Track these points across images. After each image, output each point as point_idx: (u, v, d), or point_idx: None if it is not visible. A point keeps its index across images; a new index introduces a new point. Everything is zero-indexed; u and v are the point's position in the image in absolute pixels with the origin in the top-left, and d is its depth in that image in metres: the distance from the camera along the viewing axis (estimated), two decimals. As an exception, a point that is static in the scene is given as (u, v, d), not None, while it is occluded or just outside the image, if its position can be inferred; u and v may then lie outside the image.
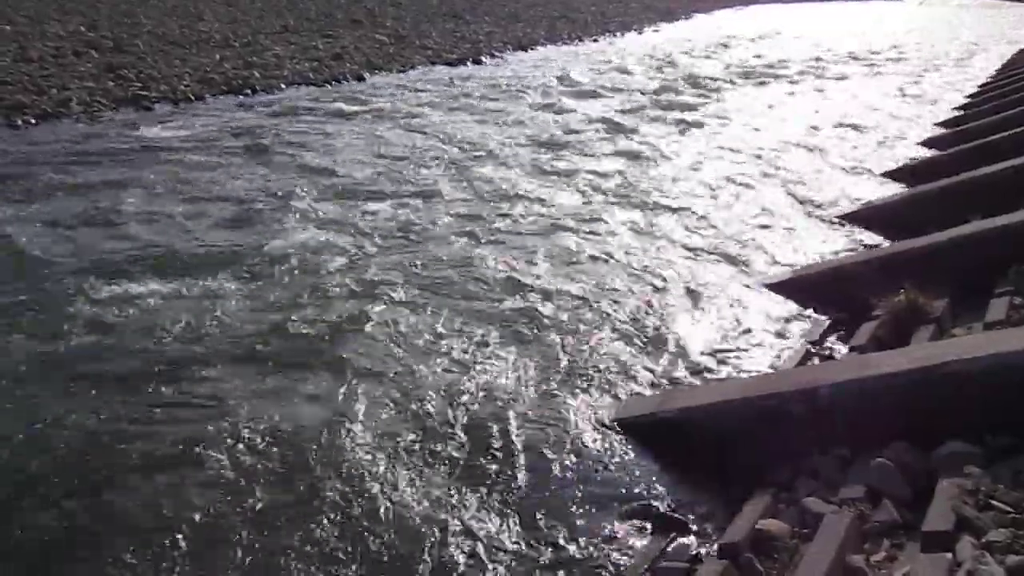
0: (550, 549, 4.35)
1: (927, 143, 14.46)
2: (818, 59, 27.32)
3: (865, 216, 9.93)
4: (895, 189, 11.57)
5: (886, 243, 8.99)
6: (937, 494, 3.83)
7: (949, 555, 3.40)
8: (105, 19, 27.38)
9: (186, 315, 6.93)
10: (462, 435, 5.37)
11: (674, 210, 10.38)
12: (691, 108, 18.09)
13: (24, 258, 8.16)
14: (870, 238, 9.35)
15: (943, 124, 16.33)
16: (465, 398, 5.81)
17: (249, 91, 18.36)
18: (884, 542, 3.79)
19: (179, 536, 4.35)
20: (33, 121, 14.41)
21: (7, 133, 13.57)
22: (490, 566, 4.22)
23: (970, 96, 20.13)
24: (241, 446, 5.14)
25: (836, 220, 10.05)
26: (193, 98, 17.24)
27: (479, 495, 4.78)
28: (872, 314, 6.61)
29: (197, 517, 4.50)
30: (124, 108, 15.97)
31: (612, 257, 8.69)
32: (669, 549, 4.26)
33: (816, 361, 6.31)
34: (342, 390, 5.86)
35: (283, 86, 19.23)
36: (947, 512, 3.64)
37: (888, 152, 14.05)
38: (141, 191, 10.50)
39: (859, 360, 5.61)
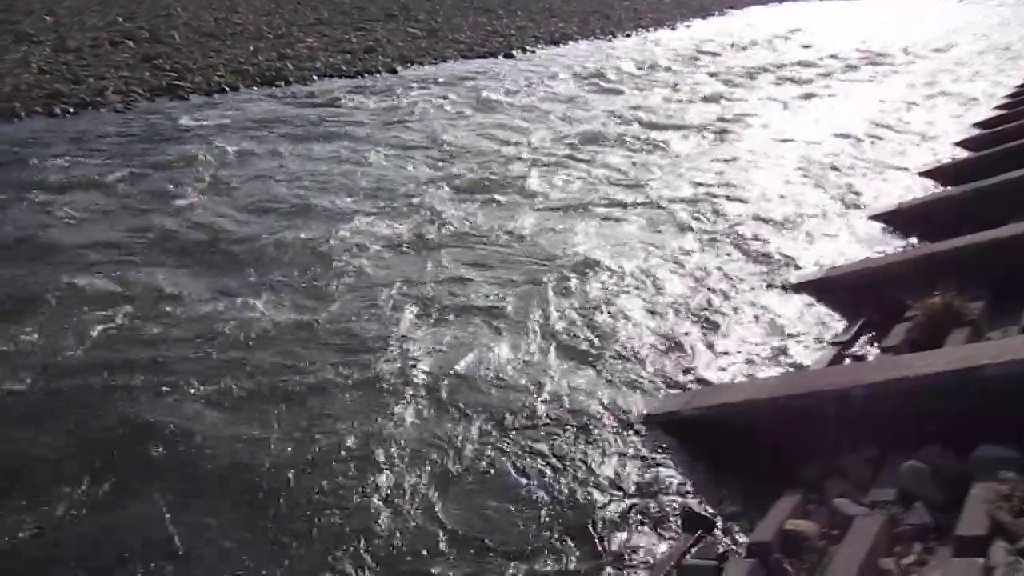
0: (577, 543, 4.35)
1: (964, 143, 14.22)
2: (853, 56, 26.93)
3: (899, 216, 9.79)
4: (930, 189, 11.41)
5: (920, 243, 8.87)
6: (971, 498, 3.77)
7: (982, 560, 3.35)
8: (142, 11, 27.67)
9: (211, 304, 7.03)
10: (489, 427, 5.39)
11: (705, 207, 10.30)
12: (724, 104, 17.92)
13: (56, 247, 8.29)
14: (904, 238, 9.23)
15: (981, 124, 16.04)
16: (493, 391, 5.83)
17: (282, 83, 18.47)
18: (915, 545, 3.74)
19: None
20: (71, 110, 14.62)
21: (45, 121, 13.79)
22: (516, 560, 4.23)
23: (1009, 96, 19.75)
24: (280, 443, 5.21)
25: (870, 219, 9.93)
26: (227, 89, 17.39)
27: (505, 487, 4.80)
28: (906, 315, 6.52)
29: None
30: (159, 98, 16.16)
31: (641, 253, 8.65)
32: (696, 546, 4.25)
33: (848, 361, 6.24)
34: (371, 381, 5.90)
35: (316, 78, 19.32)
36: (981, 516, 3.58)
37: (924, 151, 13.85)
38: (174, 180, 10.63)
39: (892, 361, 5.55)
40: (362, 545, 4.30)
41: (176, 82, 17.23)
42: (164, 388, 5.69)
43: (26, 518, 4.39)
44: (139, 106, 15.41)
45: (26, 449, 4.98)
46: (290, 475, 4.82)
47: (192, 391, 5.66)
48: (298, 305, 7.14)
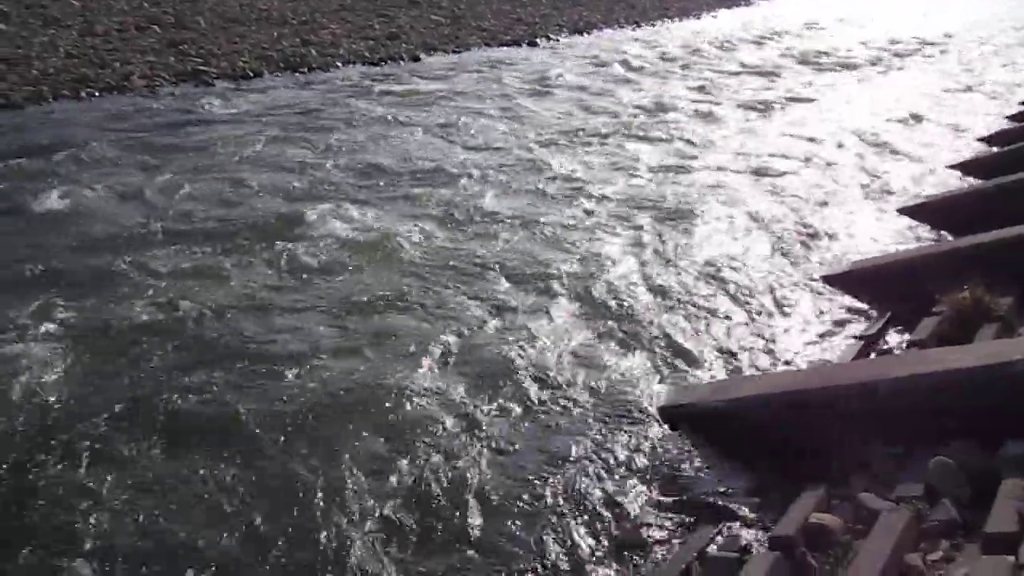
0: (597, 536, 4.33)
1: (995, 136, 14.00)
2: (886, 48, 26.57)
3: (929, 209, 9.66)
4: (961, 182, 11.25)
5: (950, 238, 8.76)
6: (1000, 495, 3.71)
7: (1012, 558, 3.29)
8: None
9: (224, 286, 7.09)
10: (508, 414, 5.39)
11: (733, 199, 10.23)
12: (752, 96, 17.74)
13: (79, 229, 8.35)
14: (933, 232, 9.12)
15: (1013, 117, 15.81)
16: (512, 378, 5.81)
17: (305, 69, 18.49)
18: (942, 542, 3.69)
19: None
20: (97, 94, 14.72)
21: (73, 105, 13.88)
22: (536, 551, 4.21)
23: (1041, 89, 19.44)
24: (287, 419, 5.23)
25: (898, 212, 9.82)
26: (251, 74, 17.44)
27: (521, 476, 4.79)
28: (934, 310, 6.42)
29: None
30: (184, 83, 16.23)
31: (666, 242, 8.60)
32: (718, 539, 4.21)
33: (874, 355, 6.18)
34: (393, 360, 5.91)
35: (339, 64, 19.33)
36: (1011, 513, 3.53)
37: (954, 144, 13.66)
38: (200, 164, 10.68)
39: (920, 356, 5.47)
40: (385, 519, 4.34)
41: (201, 67, 17.30)
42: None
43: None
44: (164, 91, 15.49)
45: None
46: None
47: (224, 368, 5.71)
48: (332, 282, 7.26)
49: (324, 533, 4.25)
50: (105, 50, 17.98)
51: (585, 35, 28.07)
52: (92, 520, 4.26)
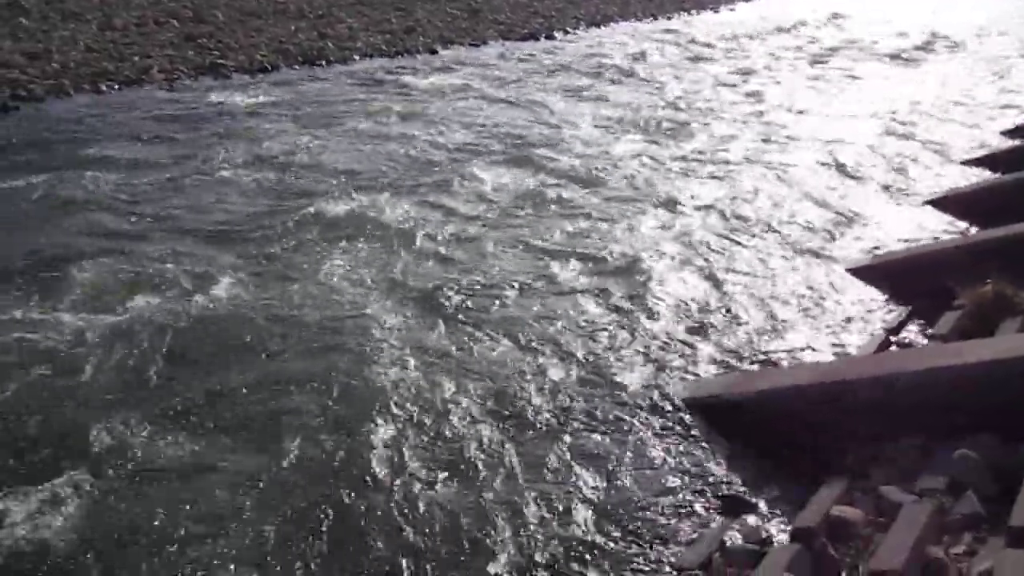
0: (618, 527, 4.33)
1: (1016, 130, 13.87)
2: (902, 42, 26.35)
3: (950, 202, 9.60)
4: (982, 176, 11.15)
5: (971, 231, 8.69)
6: (1024, 489, 3.70)
7: (1037, 552, 3.28)
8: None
9: (245, 281, 7.10)
10: (529, 408, 5.37)
11: (754, 192, 10.18)
12: (769, 89, 17.65)
13: (100, 221, 8.40)
14: (954, 225, 9.04)
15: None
16: (533, 371, 5.80)
17: (323, 62, 18.53)
18: (965, 535, 3.68)
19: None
20: (117, 87, 14.81)
21: (93, 98, 13.97)
22: (557, 543, 4.21)
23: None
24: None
25: (920, 205, 9.75)
26: (269, 67, 17.49)
27: (545, 472, 4.78)
28: (955, 303, 6.39)
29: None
30: (203, 76, 16.30)
31: (688, 234, 8.58)
32: (739, 531, 4.21)
33: (895, 348, 6.14)
34: (406, 360, 5.93)
35: (356, 57, 19.37)
36: (1035, 508, 3.51)
37: (975, 138, 13.52)
38: (219, 156, 10.71)
39: (941, 349, 5.45)
40: (409, 510, 4.36)
41: (219, 61, 17.37)
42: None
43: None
44: (183, 84, 15.57)
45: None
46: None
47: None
48: (350, 274, 7.29)
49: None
50: (124, 44, 18.08)
51: (602, 28, 27.99)
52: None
